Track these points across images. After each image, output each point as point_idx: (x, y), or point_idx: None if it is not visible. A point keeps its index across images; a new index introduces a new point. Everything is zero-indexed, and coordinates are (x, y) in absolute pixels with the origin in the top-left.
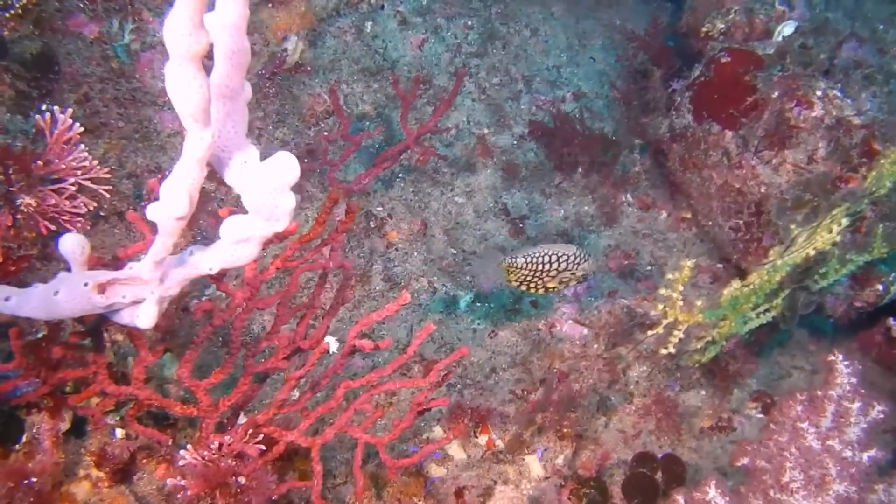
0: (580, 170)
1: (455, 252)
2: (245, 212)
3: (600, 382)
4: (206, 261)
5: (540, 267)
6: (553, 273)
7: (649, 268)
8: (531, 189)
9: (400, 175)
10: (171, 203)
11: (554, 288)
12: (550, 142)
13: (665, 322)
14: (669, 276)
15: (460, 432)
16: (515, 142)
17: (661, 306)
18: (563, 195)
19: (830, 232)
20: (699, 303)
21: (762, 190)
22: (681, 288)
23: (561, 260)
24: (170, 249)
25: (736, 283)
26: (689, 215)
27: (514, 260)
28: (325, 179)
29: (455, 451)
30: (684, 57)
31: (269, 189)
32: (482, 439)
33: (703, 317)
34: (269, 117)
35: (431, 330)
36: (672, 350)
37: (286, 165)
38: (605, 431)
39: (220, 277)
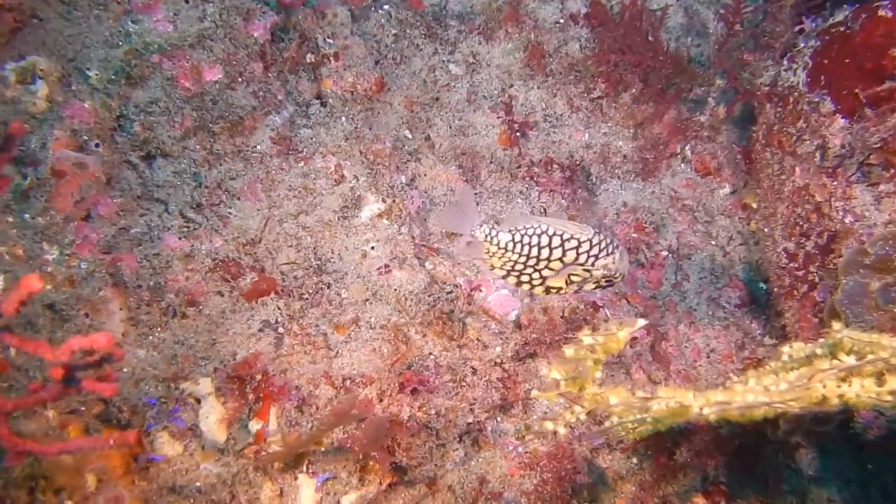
0: (632, 91)
1: (409, 137)
2: None
3: (485, 400)
4: None
5: (535, 251)
6: (555, 264)
7: (665, 254)
8: (556, 91)
9: (385, 6)
10: None
11: (559, 289)
12: (606, 39)
13: (560, 390)
14: (586, 337)
15: (233, 402)
16: (562, 20)
17: (555, 372)
18: (595, 115)
19: (880, 381)
20: (627, 393)
21: (847, 220)
22: (604, 358)
23: (567, 245)
24: None
25: (682, 397)
26: (755, 204)
27: (493, 234)
28: None
29: (211, 425)
30: None
31: None
32: (255, 425)
33: (624, 416)
34: None
35: None
36: (561, 430)
37: None
38: (455, 472)
39: None
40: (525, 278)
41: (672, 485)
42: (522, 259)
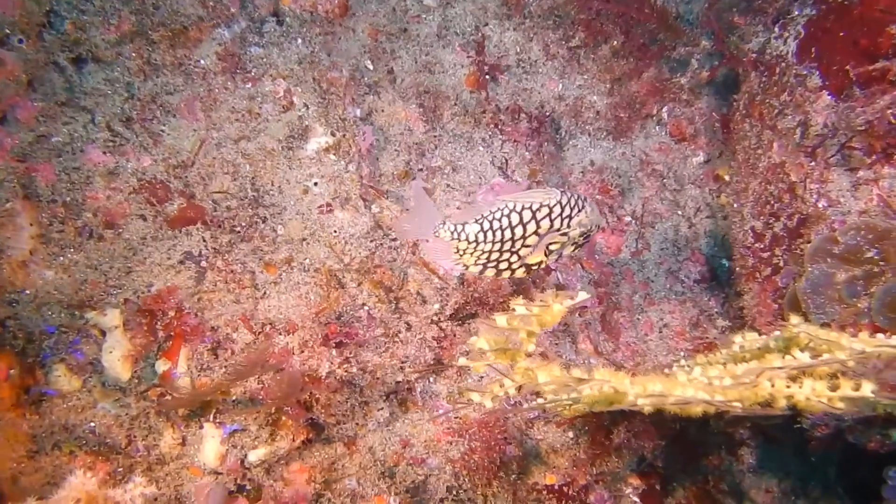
0: (613, 43)
1: (370, 68)
2: None
3: (418, 359)
4: None
5: (507, 233)
6: (531, 239)
7: (629, 220)
8: (532, 35)
9: None
10: None
11: (540, 263)
12: None
13: (488, 361)
14: (520, 307)
15: (141, 338)
16: None
17: (481, 341)
18: (571, 65)
19: (833, 384)
20: (560, 372)
21: (820, 204)
22: (538, 330)
23: (539, 215)
24: None
25: (618, 382)
26: (728, 176)
27: (460, 230)
28: None
29: (114, 362)
30: None
31: None
32: (162, 366)
33: (558, 393)
34: None
35: None
36: (490, 404)
37: None
38: (378, 433)
39: None
40: (504, 265)
41: (607, 463)
42: (497, 246)
